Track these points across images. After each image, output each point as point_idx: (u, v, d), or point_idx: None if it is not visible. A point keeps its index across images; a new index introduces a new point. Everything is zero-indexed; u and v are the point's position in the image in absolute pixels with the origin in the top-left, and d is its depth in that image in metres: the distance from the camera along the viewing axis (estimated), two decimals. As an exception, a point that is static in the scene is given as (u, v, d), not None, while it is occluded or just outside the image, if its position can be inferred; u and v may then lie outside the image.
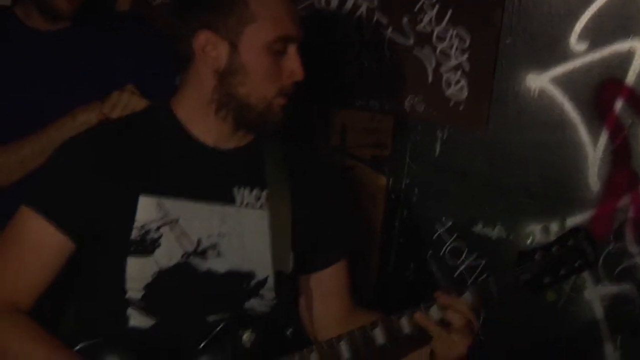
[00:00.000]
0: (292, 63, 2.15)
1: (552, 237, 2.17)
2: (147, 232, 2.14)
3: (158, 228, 2.14)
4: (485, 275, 2.93)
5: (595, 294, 2.93)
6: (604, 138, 2.91)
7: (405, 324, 2.13)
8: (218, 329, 2.13)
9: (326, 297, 2.36)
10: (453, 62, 3.02)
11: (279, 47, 2.13)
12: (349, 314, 2.35)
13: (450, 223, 3.10)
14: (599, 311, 2.94)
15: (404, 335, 2.13)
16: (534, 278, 2.13)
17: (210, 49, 2.13)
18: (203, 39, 2.13)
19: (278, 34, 2.12)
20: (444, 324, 2.11)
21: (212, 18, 2.12)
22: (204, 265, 2.17)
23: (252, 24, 2.11)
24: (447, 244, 3.10)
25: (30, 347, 2.06)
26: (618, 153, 2.90)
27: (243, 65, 2.12)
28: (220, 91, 2.15)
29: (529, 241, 2.13)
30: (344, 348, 2.13)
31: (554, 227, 2.23)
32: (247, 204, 2.22)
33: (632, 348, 2.90)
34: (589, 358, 2.96)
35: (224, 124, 2.19)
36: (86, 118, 2.56)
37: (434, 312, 2.12)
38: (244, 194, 2.22)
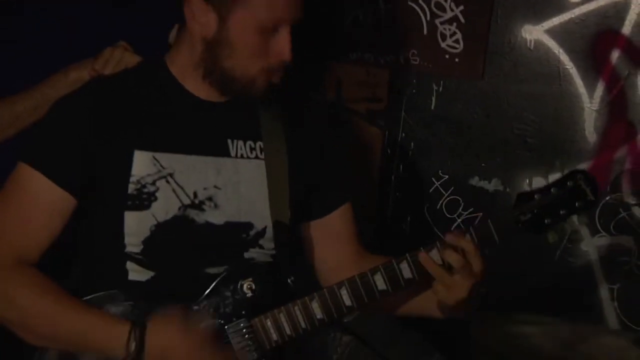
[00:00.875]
0: (281, 44, 2.11)
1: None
2: (144, 187, 2.13)
3: (154, 182, 2.14)
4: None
5: (592, 245, 2.95)
6: (600, 89, 2.90)
7: (406, 268, 2.12)
8: (218, 279, 2.13)
9: (334, 242, 2.37)
10: (448, 14, 3.00)
11: (269, 28, 2.09)
12: (359, 258, 2.35)
13: (446, 176, 3.11)
14: (595, 262, 2.96)
15: (406, 279, 2.13)
16: (534, 218, 2.12)
17: (199, 15, 2.10)
18: (194, 5, 2.10)
19: (270, 17, 2.08)
20: (446, 266, 2.09)
21: None
22: (202, 217, 2.17)
23: (245, 6, 2.06)
24: (444, 197, 3.12)
25: (39, 301, 2.06)
26: (614, 104, 2.90)
27: (230, 40, 2.09)
28: (206, 59, 2.13)
29: (526, 183, 2.13)
30: (344, 294, 2.13)
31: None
32: (242, 155, 2.21)
33: (628, 298, 2.93)
34: (586, 308, 2.98)
35: (212, 87, 2.18)
36: (79, 75, 2.55)
37: (435, 256, 2.10)
38: (238, 146, 2.22)
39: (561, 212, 2.12)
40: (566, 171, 2.17)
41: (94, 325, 2.06)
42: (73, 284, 2.21)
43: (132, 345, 2.01)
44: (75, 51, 2.63)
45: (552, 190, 2.12)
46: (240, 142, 2.22)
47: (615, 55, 2.86)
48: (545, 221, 2.12)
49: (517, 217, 2.11)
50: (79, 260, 2.27)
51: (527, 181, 2.14)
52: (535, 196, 2.12)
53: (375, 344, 2.64)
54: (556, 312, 2.83)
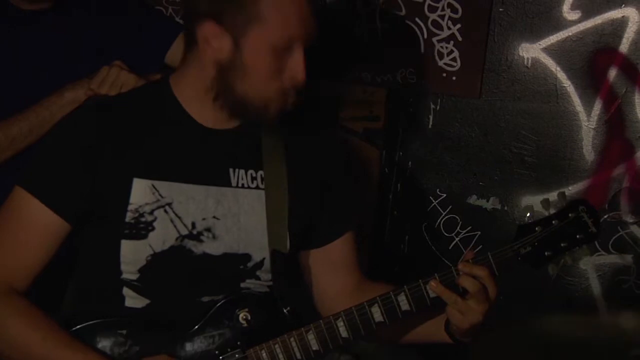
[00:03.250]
0: (296, 66, 2.07)
1: (552, 210, 2.14)
2: (141, 215, 2.10)
3: (152, 211, 2.11)
4: (480, 247, 2.93)
5: (591, 264, 2.94)
6: (597, 107, 2.89)
7: (404, 300, 2.10)
8: (214, 308, 2.12)
9: (334, 271, 2.34)
10: (445, 32, 2.98)
11: (284, 48, 2.06)
12: (359, 287, 2.32)
13: (444, 195, 3.09)
14: (594, 280, 2.95)
15: (403, 311, 2.11)
16: (535, 251, 2.10)
17: (213, 40, 2.06)
18: (207, 29, 2.05)
19: (285, 36, 2.05)
20: (461, 292, 2.07)
21: (220, 9, 2.04)
22: (200, 248, 2.14)
23: (260, 25, 2.03)
24: (442, 216, 3.09)
25: (27, 332, 2.04)
26: (612, 122, 2.89)
27: (244, 63, 2.05)
28: (219, 82, 2.09)
29: (527, 215, 2.11)
30: (341, 325, 2.11)
31: (553, 199, 2.22)
32: (242, 185, 2.18)
33: (628, 318, 2.90)
34: (584, 327, 2.95)
35: (220, 111, 2.14)
36: (74, 95, 2.53)
37: (448, 281, 2.08)
38: (239, 175, 2.18)
39: (562, 244, 2.11)
40: (566, 199, 2.14)
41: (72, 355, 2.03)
42: (68, 308, 2.21)
43: None
44: (72, 70, 2.64)
45: (553, 222, 2.10)
46: (242, 172, 2.19)
47: (612, 73, 2.86)
48: (546, 254, 2.11)
49: (517, 250, 2.10)
50: (74, 284, 2.25)
51: (528, 214, 2.11)
52: (536, 228, 2.10)
53: None
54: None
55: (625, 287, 2.91)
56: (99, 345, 2.07)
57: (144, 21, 2.77)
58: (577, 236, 2.10)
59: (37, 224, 2.10)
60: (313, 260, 2.33)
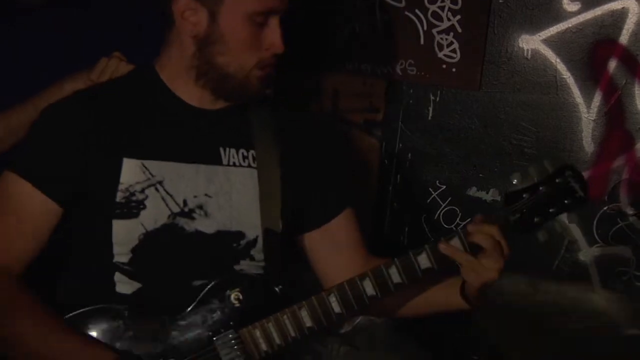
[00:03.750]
0: (273, 35, 2.11)
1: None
2: (132, 195, 2.12)
3: (143, 190, 2.12)
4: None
5: (590, 255, 2.92)
6: (597, 99, 2.87)
7: (395, 272, 2.10)
8: (206, 290, 2.12)
9: (340, 251, 2.34)
10: (445, 24, 2.97)
11: (259, 19, 2.10)
12: (366, 263, 2.31)
13: (444, 187, 3.08)
14: (594, 272, 2.92)
15: (395, 284, 2.10)
16: (524, 218, 2.09)
17: (189, 14, 2.10)
18: (182, 4, 2.09)
19: (259, 7, 2.09)
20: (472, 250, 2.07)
21: None
22: (192, 226, 2.15)
23: None
24: (441, 208, 3.08)
25: (22, 320, 2.04)
26: (612, 114, 2.87)
27: (222, 34, 2.09)
28: (199, 58, 2.12)
29: (514, 181, 2.10)
30: (333, 301, 2.12)
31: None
32: (234, 164, 2.20)
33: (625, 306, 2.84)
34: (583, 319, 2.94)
35: (204, 90, 2.17)
36: (74, 87, 2.53)
37: (456, 244, 2.09)
38: (230, 154, 2.20)
39: (551, 210, 2.09)
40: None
41: (77, 350, 2.03)
42: (61, 295, 2.20)
43: None
44: (73, 63, 2.65)
45: (540, 188, 2.09)
46: (233, 150, 2.20)
47: (612, 64, 2.83)
48: (535, 220, 2.09)
49: (506, 217, 2.09)
50: (66, 272, 2.24)
51: (515, 181, 2.10)
52: (524, 195, 2.09)
53: (373, 355, 2.63)
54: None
55: (625, 278, 2.88)
56: (93, 332, 2.08)
57: (144, 21, 2.78)
58: (565, 201, 2.09)
59: (29, 207, 2.11)
60: (316, 243, 2.34)
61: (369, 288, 2.11)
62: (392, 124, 3.10)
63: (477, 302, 2.16)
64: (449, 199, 3.07)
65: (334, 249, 2.34)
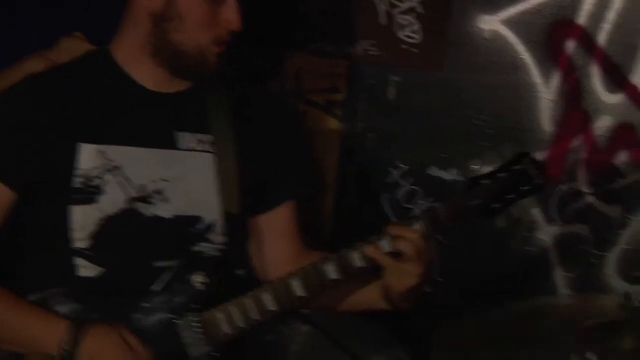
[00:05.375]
0: (230, 12, 2.10)
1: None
2: (90, 180, 2.10)
3: (100, 175, 2.11)
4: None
5: (549, 234, 2.97)
6: (556, 79, 2.91)
7: (355, 257, 2.12)
8: (169, 273, 2.13)
9: (276, 238, 2.34)
10: (406, 4, 2.97)
11: None
12: (299, 255, 2.34)
13: (405, 166, 3.09)
14: (552, 250, 2.98)
15: (356, 268, 2.12)
16: (483, 204, 2.11)
17: None
18: None
19: None
20: (396, 255, 2.08)
21: None
22: (150, 210, 2.14)
23: None
24: (403, 187, 3.10)
25: None
26: (570, 94, 2.91)
27: (179, 11, 2.07)
28: (156, 35, 2.10)
29: (475, 168, 2.14)
30: (296, 285, 2.13)
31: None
32: (191, 148, 2.18)
33: (585, 286, 2.96)
34: (543, 295, 2.99)
35: (160, 70, 2.14)
36: (34, 67, 2.52)
37: (385, 245, 2.10)
38: (187, 139, 2.19)
39: (510, 196, 2.11)
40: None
41: (31, 317, 2.05)
42: (21, 281, 2.17)
43: (66, 344, 1.99)
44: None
45: (499, 175, 2.11)
46: (189, 135, 2.19)
47: (570, 45, 2.87)
48: (494, 206, 2.11)
49: (466, 204, 2.10)
50: (25, 257, 2.21)
51: (476, 167, 2.14)
52: (484, 182, 2.10)
53: (335, 334, 2.65)
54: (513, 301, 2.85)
55: (583, 257, 2.95)
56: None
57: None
58: (524, 188, 2.11)
59: None
60: (259, 227, 2.33)
61: (331, 272, 2.12)
62: (354, 104, 3.11)
63: (401, 305, 2.17)
64: (411, 178, 3.09)
65: (273, 236, 2.35)
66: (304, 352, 2.73)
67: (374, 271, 2.14)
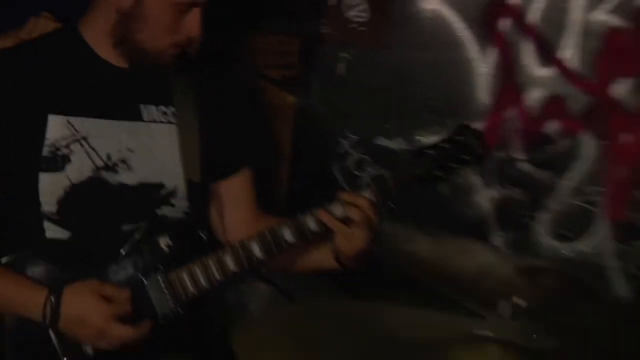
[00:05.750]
0: (192, 23, 2.17)
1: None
2: (58, 149, 2.18)
3: (68, 145, 2.19)
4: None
5: (485, 196, 3.10)
6: (492, 55, 3.04)
7: (311, 222, 2.22)
8: (136, 235, 2.22)
9: (234, 203, 2.44)
10: (354, -16, 3.06)
11: (183, 8, 2.16)
12: (256, 219, 2.44)
13: (354, 137, 3.23)
14: (488, 213, 3.12)
15: (311, 231, 2.22)
16: (427, 172, 2.22)
17: None
18: None
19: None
20: (346, 220, 2.20)
21: None
22: (115, 178, 2.23)
23: None
24: (352, 156, 3.25)
25: None
26: (505, 68, 3.04)
27: (145, 14, 2.14)
28: (119, 29, 2.18)
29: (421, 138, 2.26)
30: (255, 247, 2.22)
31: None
32: (154, 120, 2.27)
33: (519, 247, 3.10)
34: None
35: (121, 56, 2.23)
36: (3, 43, 2.46)
37: (336, 210, 2.21)
38: (150, 110, 2.28)
39: (452, 165, 2.24)
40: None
41: (11, 290, 2.14)
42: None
43: (49, 311, 2.09)
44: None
45: (443, 145, 2.24)
46: (152, 107, 2.28)
47: (505, 23, 3.00)
48: (438, 174, 2.24)
49: (412, 172, 2.23)
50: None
51: (421, 138, 2.26)
52: (429, 152, 2.23)
53: (291, 291, 2.78)
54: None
55: (517, 218, 3.09)
56: (28, 276, 2.17)
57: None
58: (465, 157, 2.24)
59: None
60: (218, 193, 2.44)
61: (287, 235, 2.23)
62: (307, 80, 3.23)
63: (350, 265, 2.29)
64: (360, 148, 3.23)
65: (232, 201, 2.45)
66: (262, 310, 2.87)
67: (326, 234, 2.25)
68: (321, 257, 2.36)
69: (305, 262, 2.42)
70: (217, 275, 2.23)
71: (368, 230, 2.21)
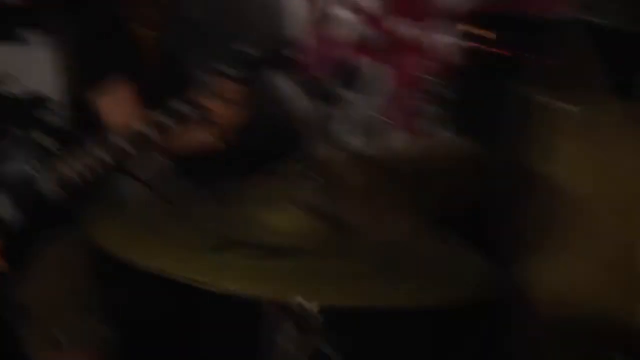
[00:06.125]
0: None
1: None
2: None
3: None
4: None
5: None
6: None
7: (187, 106, 2.49)
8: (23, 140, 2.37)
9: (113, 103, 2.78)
10: None
11: None
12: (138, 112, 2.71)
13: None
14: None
15: (188, 114, 2.49)
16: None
17: None
18: None
19: None
20: (221, 100, 2.51)
21: None
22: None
23: None
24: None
25: None
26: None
27: None
28: None
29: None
30: (139, 132, 2.47)
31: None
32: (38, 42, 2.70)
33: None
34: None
35: None
36: None
37: (210, 92, 2.51)
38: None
39: None
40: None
41: None
42: None
43: None
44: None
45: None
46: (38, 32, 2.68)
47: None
48: None
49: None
50: None
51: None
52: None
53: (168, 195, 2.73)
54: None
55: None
56: None
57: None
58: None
59: None
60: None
61: (166, 120, 2.49)
62: None
63: (225, 140, 2.62)
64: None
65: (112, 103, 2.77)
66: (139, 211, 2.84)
67: (204, 114, 2.51)
68: (200, 136, 2.65)
69: (186, 141, 2.68)
70: (106, 159, 2.42)
71: (241, 108, 2.55)
